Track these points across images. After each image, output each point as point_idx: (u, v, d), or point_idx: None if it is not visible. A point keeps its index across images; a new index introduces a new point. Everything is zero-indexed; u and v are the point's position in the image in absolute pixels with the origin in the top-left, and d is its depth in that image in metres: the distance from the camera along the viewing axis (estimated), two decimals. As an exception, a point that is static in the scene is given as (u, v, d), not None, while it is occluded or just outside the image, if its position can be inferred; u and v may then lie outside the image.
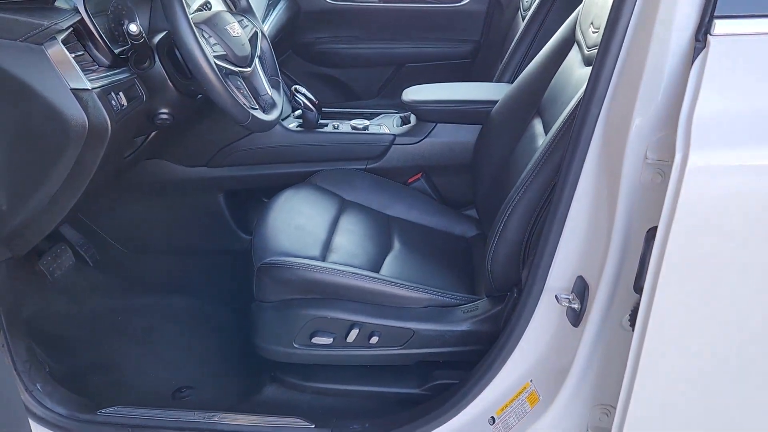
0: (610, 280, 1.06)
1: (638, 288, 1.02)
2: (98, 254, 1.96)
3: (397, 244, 1.61)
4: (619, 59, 1.00)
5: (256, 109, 1.45)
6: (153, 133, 1.64)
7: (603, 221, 1.06)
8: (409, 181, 1.89)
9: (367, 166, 1.88)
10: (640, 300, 0.99)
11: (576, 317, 1.10)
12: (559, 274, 1.14)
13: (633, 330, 1.01)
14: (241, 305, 1.59)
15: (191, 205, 1.95)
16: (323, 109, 1.96)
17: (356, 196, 1.78)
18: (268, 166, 1.89)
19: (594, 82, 1.02)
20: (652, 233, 0.97)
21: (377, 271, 1.48)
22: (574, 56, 1.52)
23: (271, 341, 1.41)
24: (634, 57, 0.97)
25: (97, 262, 1.96)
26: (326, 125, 1.92)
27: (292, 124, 1.91)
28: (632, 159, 0.98)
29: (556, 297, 1.13)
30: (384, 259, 1.53)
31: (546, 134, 1.51)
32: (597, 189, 1.07)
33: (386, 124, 1.95)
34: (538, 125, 1.57)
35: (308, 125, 1.88)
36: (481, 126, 1.82)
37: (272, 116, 1.51)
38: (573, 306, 1.10)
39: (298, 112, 1.98)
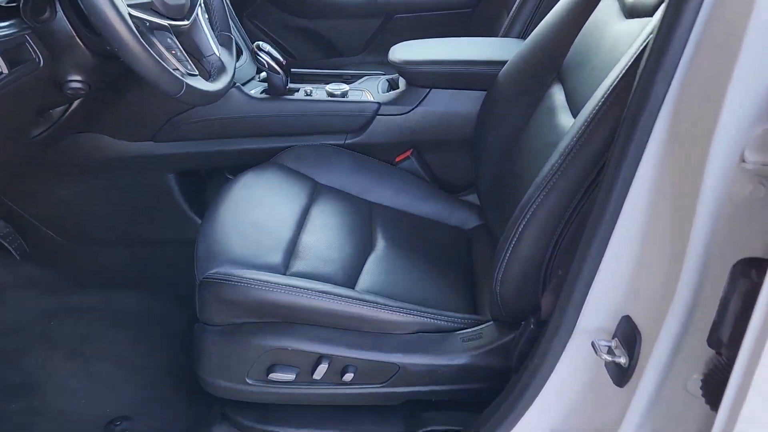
0: (673, 328, 0.75)
1: (716, 341, 0.72)
2: (27, 245, 1.64)
3: (380, 242, 1.30)
4: (702, 10, 0.67)
5: (195, 75, 1.11)
6: (77, 102, 1.30)
7: (665, 245, 0.75)
8: (397, 159, 1.56)
9: (346, 142, 1.55)
10: (720, 359, 0.69)
11: (621, 375, 0.80)
12: (597, 311, 0.83)
13: (707, 402, 0.71)
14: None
15: (136, 186, 1.62)
16: (293, 70, 1.61)
17: (332, 178, 1.45)
18: (227, 141, 1.56)
19: (661, 45, 0.69)
20: (743, 267, 0.66)
21: (355, 280, 1.17)
22: (608, 5, 1.17)
23: (217, 374, 1.11)
24: (730, 7, 0.64)
25: (26, 255, 1.64)
26: (296, 91, 1.58)
27: (255, 90, 1.56)
28: (719, 162, 0.66)
29: (593, 344, 0.82)
30: (364, 264, 1.22)
31: (569, 105, 1.18)
32: (658, 201, 0.75)
33: (370, 90, 1.60)
34: (558, 94, 1.24)
35: (274, 91, 1.54)
36: (485, 93, 1.48)
37: (219, 84, 1.17)
38: (618, 360, 0.80)
39: (263, 74, 1.63)
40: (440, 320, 1.10)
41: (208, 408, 1.23)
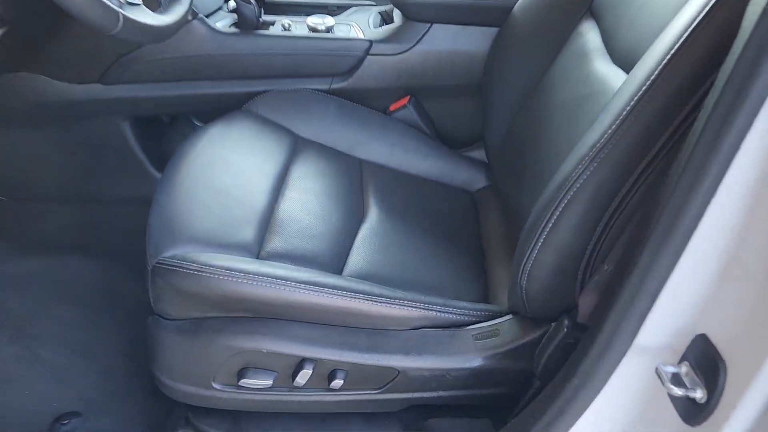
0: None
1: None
2: (-40, 205, 1.42)
3: (373, 210, 1.09)
4: None
5: (137, 4, 0.86)
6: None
7: (764, 249, 0.55)
8: (391, 108, 1.33)
9: (332, 87, 1.32)
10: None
11: (695, 412, 0.61)
12: (662, 325, 0.64)
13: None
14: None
15: (86, 136, 1.38)
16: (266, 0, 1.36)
17: (315, 130, 1.23)
18: (189, 84, 1.31)
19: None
20: None
21: (343, 261, 0.97)
22: None
23: (177, 377, 0.92)
24: None
25: (-41, 216, 1.42)
26: (271, 24, 1.33)
27: (223, 23, 1.31)
28: None
29: (657, 372, 0.63)
30: (354, 240, 1.02)
31: (608, 49, 0.96)
32: (760, 201, 0.55)
33: (359, 24, 1.36)
34: (591, 33, 1.02)
35: (245, 24, 1.28)
36: (497, 29, 1.25)
37: (169, 17, 0.93)
38: (693, 395, 0.61)
39: (232, 4, 1.38)
40: (448, 313, 0.91)
41: (170, 409, 1.04)
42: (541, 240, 0.76)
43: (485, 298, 1.01)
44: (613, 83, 0.88)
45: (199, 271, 0.84)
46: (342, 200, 1.09)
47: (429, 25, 1.29)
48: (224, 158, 1.08)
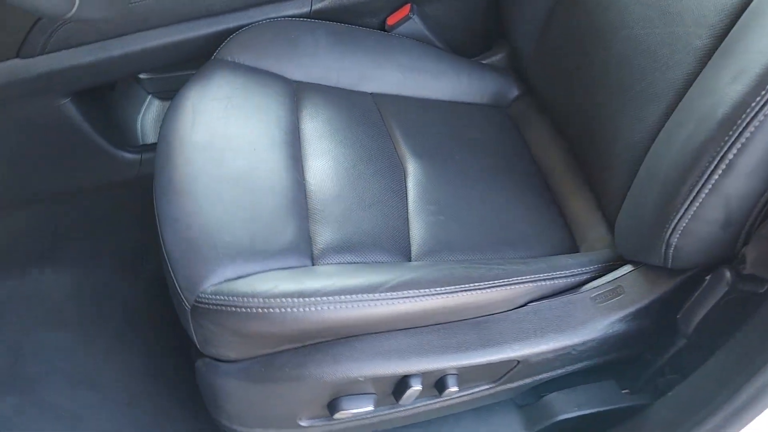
0: None
1: None
2: None
3: (410, 159, 0.90)
4: None
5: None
6: None
7: None
8: (390, 22, 1.10)
9: (313, 8, 1.07)
10: None
11: None
12: None
13: None
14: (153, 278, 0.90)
15: (23, 125, 1.10)
16: None
17: (308, 70, 1.00)
18: (135, 38, 1.04)
19: None
20: None
21: (406, 237, 0.80)
22: None
23: (253, 423, 0.75)
24: None
25: None
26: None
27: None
28: None
29: None
30: (406, 204, 0.84)
31: None
32: None
33: None
34: None
35: (190, -53, 1.00)
36: None
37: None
38: None
39: None
40: (554, 278, 0.76)
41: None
42: (706, 191, 0.60)
43: (574, 243, 0.86)
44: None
45: (262, 307, 0.65)
46: (372, 155, 0.89)
47: None
48: (222, 134, 0.85)
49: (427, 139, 0.95)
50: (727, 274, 0.65)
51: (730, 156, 0.58)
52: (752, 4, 0.63)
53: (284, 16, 1.05)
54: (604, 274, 0.77)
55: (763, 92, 0.55)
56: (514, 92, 1.08)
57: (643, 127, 0.75)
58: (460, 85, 1.06)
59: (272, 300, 0.65)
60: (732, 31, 0.65)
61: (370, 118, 0.96)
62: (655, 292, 0.73)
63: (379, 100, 1.00)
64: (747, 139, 0.56)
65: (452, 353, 0.71)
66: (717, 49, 0.67)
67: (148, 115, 1.30)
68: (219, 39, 1.01)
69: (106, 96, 1.18)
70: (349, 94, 0.99)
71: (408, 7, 1.08)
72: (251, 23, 1.03)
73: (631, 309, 0.74)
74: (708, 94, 0.62)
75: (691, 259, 0.67)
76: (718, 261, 0.67)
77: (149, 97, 1.30)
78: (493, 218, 0.85)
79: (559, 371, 0.78)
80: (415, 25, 1.07)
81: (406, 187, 0.86)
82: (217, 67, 0.96)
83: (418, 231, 0.81)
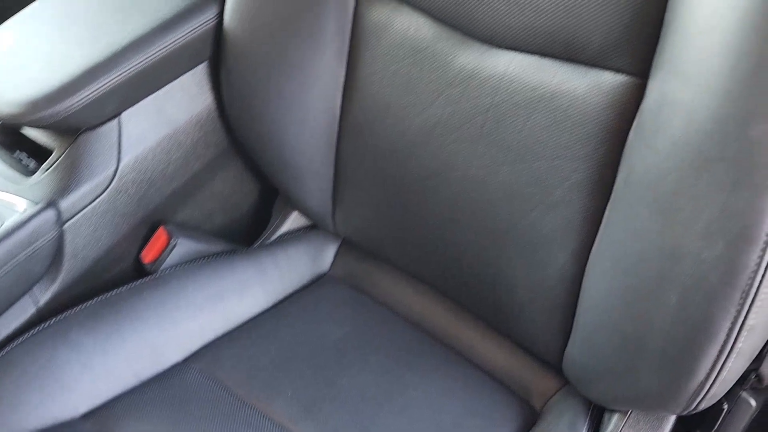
0: None
1: None
2: None
3: (298, 423, 0.69)
4: None
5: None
6: None
7: None
8: (148, 260, 0.82)
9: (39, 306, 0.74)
10: None
11: None
12: None
13: None
14: None
15: None
16: None
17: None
18: None
19: None
20: None
21: None
22: None
23: None
24: None
25: None
26: None
27: None
28: None
29: None
30: None
31: (459, 30, 0.66)
32: None
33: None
34: (394, 15, 0.68)
35: None
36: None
37: None
38: None
39: None
40: None
41: None
42: (731, 356, 0.51)
43: (526, 403, 0.75)
44: (533, 75, 0.61)
45: None
46: None
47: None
48: None
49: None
50: (743, 395, 0.60)
51: (749, 322, 0.50)
52: (635, 125, 0.55)
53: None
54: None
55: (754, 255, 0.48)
56: (331, 255, 0.90)
57: (550, 273, 0.65)
58: (270, 281, 0.85)
59: None
60: (627, 159, 0.56)
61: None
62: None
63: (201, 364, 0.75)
64: (761, 303, 0.49)
65: None
66: (613, 181, 0.58)
67: None
68: None
69: None
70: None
71: (161, 231, 0.81)
72: None
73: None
74: (649, 240, 0.53)
75: (716, 397, 0.60)
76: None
77: None
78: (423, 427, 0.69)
79: None
80: (187, 244, 0.82)
81: None
82: None
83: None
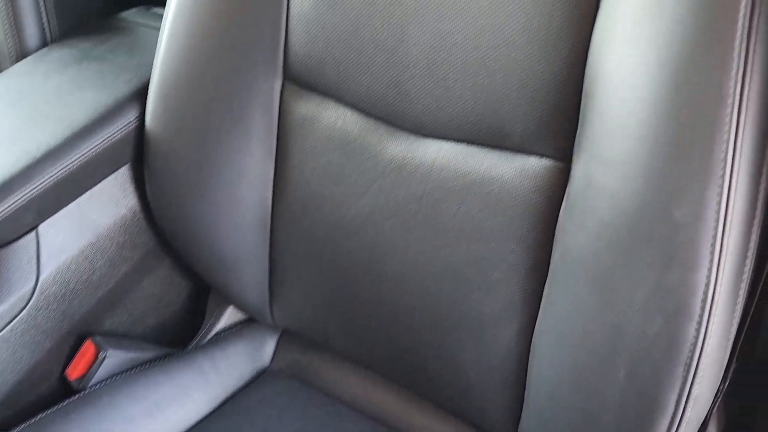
0: None
1: None
2: None
3: None
4: None
5: None
6: None
7: None
8: (73, 376, 0.77)
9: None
10: None
11: None
12: None
13: None
14: None
15: None
16: None
17: None
18: None
19: None
20: None
21: None
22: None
23: None
24: None
25: None
26: None
27: None
28: None
29: None
30: None
31: (385, 121, 0.67)
32: None
33: None
34: (317, 108, 0.69)
35: None
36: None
37: None
38: None
39: None
40: None
41: None
42: (681, 426, 0.53)
43: None
44: (462, 162, 0.63)
45: None
46: None
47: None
48: None
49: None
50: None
51: (696, 386, 0.52)
52: (564, 207, 0.58)
53: None
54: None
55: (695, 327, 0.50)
56: (271, 350, 0.87)
57: (497, 351, 0.66)
58: (210, 384, 0.81)
59: None
60: (560, 239, 0.58)
61: None
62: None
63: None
64: (702, 368, 0.51)
65: None
66: (548, 261, 0.60)
67: None
68: None
69: None
70: None
71: (88, 343, 0.77)
72: None
73: None
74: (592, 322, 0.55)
75: None
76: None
77: None
78: None
79: None
80: (117, 355, 0.77)
81: None
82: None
83: None
